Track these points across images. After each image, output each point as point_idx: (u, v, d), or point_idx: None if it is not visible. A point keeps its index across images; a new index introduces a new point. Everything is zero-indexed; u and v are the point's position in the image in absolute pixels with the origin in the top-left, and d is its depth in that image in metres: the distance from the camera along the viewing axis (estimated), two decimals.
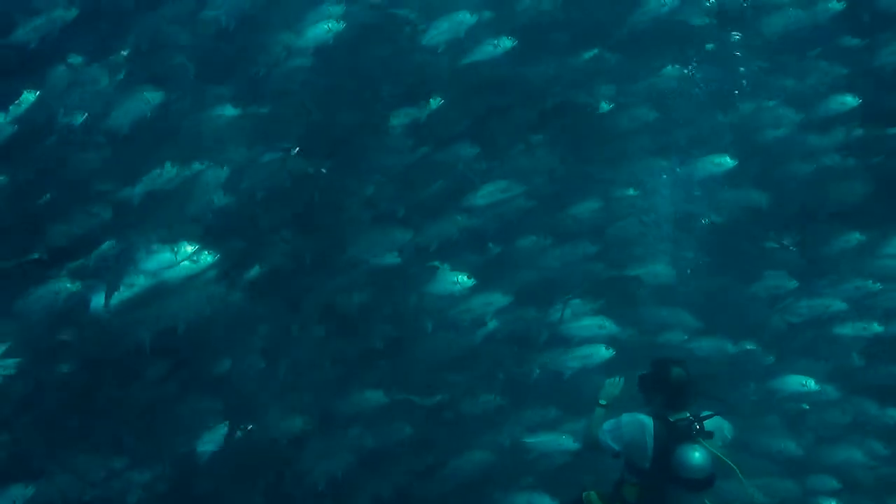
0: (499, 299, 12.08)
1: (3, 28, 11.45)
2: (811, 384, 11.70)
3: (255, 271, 11.49)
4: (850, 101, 12.77)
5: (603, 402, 7.48)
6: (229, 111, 11.68)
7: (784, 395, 11.90)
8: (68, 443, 10.68)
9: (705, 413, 7.03)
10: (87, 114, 11.36)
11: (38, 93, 10.91)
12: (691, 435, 6.87)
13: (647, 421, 6.99)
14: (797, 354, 12.43)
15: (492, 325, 12.18)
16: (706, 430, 6.92)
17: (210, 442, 10.97)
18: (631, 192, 12.94)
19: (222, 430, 11.00)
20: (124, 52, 11.50)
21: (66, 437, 10.70)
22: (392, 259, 11.90)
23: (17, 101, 10.85)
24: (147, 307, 11.07)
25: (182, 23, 12.02)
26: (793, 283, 12.54)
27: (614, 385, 7.57)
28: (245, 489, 11.36)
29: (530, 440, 11.48)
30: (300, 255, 12.08)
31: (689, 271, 12.98)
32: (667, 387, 7.04)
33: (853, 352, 12.59)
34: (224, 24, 11.98)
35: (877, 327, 12.42)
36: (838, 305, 12.38)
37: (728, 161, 12.67)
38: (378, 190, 12.35)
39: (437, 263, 12.12)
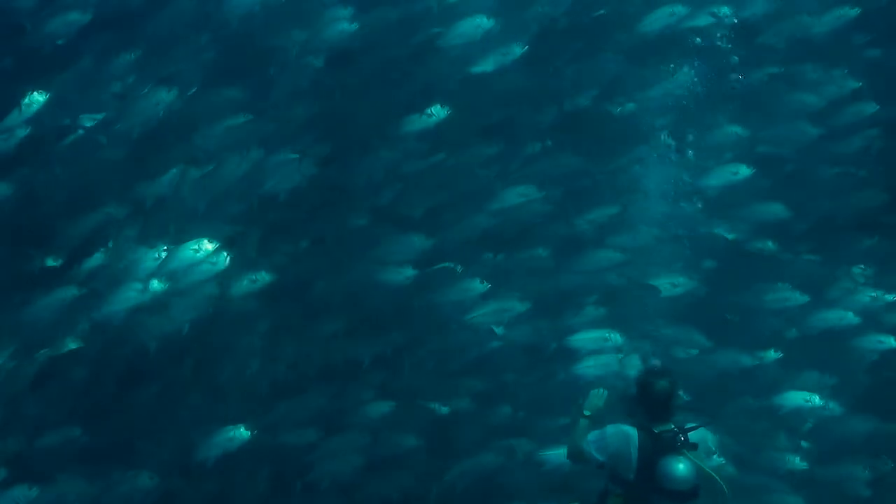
0: (516, 306, 12.07)
1: (18, 33, 11.58)
2: (815, 399, 11.53)
3: (267, 275, 11.50)
4: (868, 108, 12.62)
5: (587, 413, 7.39)
6: (241, 118, 11.73)
7: (788, 411, 11.72)
8: (74, 447, 10.72)
9: (690, 425, 6.97)
10: (99, 116, 11.48)
11: (47, 94, 10.94)
12: (676, 446, 6.82)
13: (632, 432, 6.95)
14: (808, 368, 12.24)
15: (499, 331, 12.14)
16: (690, 441, 6.85)
17: (215, 446, 10.95)
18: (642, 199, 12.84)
19: (228, 433, 10.99)
20: (132, 56, 11.52)
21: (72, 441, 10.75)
22: (408, 272, 11.90)
23: (27, 102, 10.90)
24: (157, 309, 11.21)
25: (194, 23, 12.09)
26: (804, 298, 12.34)
27: (598, 396, 7.48)
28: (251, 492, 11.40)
29: (545, 453, 11.36)
30: (313, 258, 12.16)
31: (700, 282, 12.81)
32: (650, 398, 6.98)
33: (865, 365, 12.35)
34: (236, 25, 12.05)
35: (893, 342, 12.22)
36: (851, 318, 12.20)
37: (744, 170, 12.56)
38: (395, 194, 12.40)
39: (449, 264, 12.14)
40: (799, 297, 12.31)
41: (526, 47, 12.03)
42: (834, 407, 11.54)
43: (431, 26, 12.29)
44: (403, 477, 11.71)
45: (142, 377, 11.30)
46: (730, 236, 13.00)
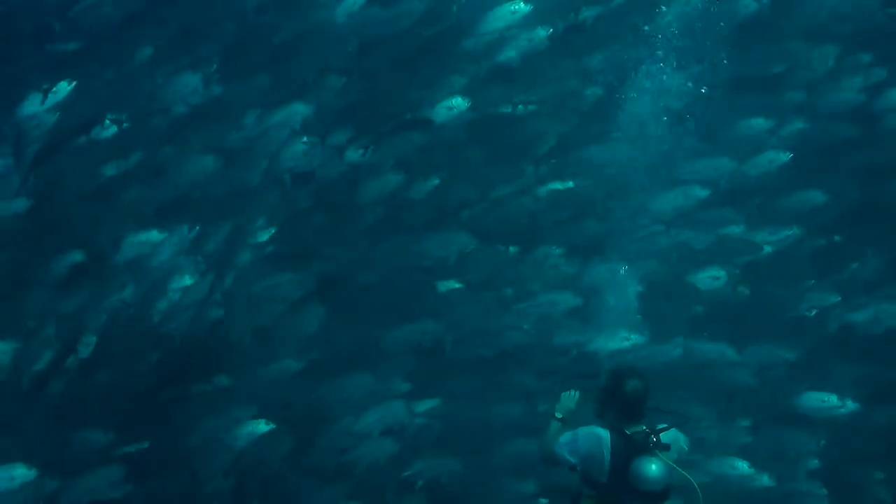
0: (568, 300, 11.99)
1: (47, 28, 11.81)
2: (833, 399, 11.10)
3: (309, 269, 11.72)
4: None
5: (559, 415, 7.31)
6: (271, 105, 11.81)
7: (804, 411, 11.34)
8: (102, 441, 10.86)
9: (661, 425, 6.81)
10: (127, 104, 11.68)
11: (74, 83, 11.10)
12: (648, 447, 6.67)
13: (604, 434, 6.81)
14: (839, 364, 11.87)
15: (527, 326, 12.10)
16: (663, 442, 6.70)
17: (239, 437, 11.03)
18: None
19: (250, 426, 11.05)
20: (149, 50, 11.65)
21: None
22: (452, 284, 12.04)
23: (54, 90, 11.08)
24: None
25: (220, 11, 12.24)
26: (835, 298, 12.00)
27: (570, 398, 7.37)
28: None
29: None
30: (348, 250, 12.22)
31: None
32: (621, 399, 6.83)
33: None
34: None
35: None
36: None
37: (782, 156, 12.18)
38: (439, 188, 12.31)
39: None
40: (831, 296, 12.00)
41: (550, 30, 11.96)
42: (853, 406, 11.13)
43: (463, 13, 12.26)
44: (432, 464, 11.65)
45: (172, 367, 11.44)
46: (769, 232, 12.56)
